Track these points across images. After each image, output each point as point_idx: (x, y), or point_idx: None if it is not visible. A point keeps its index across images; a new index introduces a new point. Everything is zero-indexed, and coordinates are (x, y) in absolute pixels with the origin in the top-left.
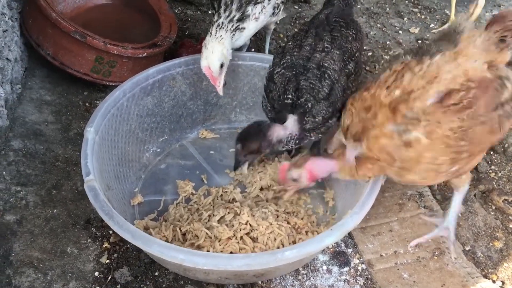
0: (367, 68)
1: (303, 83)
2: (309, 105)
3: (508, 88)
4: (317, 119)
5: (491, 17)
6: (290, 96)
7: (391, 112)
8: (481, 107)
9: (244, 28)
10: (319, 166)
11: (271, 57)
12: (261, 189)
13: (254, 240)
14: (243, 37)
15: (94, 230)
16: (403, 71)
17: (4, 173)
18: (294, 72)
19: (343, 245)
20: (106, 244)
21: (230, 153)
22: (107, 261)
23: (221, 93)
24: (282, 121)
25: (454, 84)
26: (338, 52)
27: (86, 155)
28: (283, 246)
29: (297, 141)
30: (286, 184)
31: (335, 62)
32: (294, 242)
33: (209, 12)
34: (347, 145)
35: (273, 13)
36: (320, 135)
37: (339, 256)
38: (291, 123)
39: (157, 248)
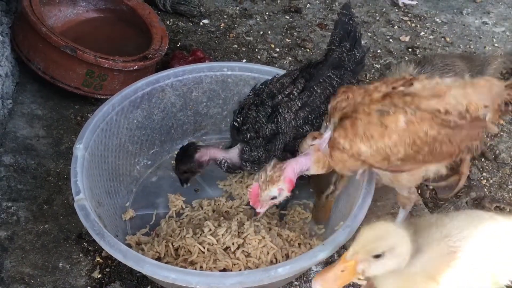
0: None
1: (251, 112)
2: (248, 136)
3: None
4: (253, 154)
5: None
6: (238, 120)
7: (381, 97)
8: (458, 136)
9: None
10: (295, 169)
11: (260, 67)
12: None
13: (247, 254)
14: None
15: (86, 244)
16: (412, 81)
17: None
18: (254, 101)
19: (335, 254)
20: (98, 259)
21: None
22: (99, 275)
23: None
24: (235, 143)
25: (453, 109)
26: (299, 104)
27: (76, 173)
28: (276, 260)
29: (230, 167)
30: (262, 205)
31: (290, 113)
32: (287, 255)
33: None
34: (327, 127)
35: None
36: (256, 170)
37: None
38: (235, 150)
39: (149, 268)
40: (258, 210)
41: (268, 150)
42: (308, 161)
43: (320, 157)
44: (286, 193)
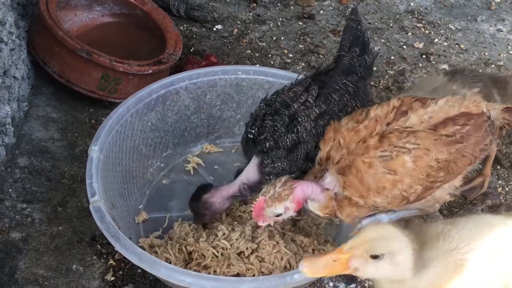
0: (371, 82)
1: (268, 122)
2: (267, 145)
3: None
4: (275, 165)
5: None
6: (253, 131)
7: (378, 141)
8: (470, 145)
9: None
10: (306, 192)
11: (275, 71)
12: None
13: (260, 259)
14: None
15: (99, 247)
16: (402, 108)
17: (10, 190)
18: (268, 112)
19: None
20: (111, 261)
21: (235, 168)
22: (112, 278)
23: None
24: (248, 158)
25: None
26: (317, 112)
27: (91, 174)
28: (290, 265)
29: (251, 188)
30: (265, 220)
31: (310, 121)
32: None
33: None
34: (325, 176)
35: None
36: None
37: None
38: (250, 167)
39: (164, 271)
40: (260, 223)
41: (290, 161)
42: (319, 193)
43: (330, 205)
44: (291, 213)
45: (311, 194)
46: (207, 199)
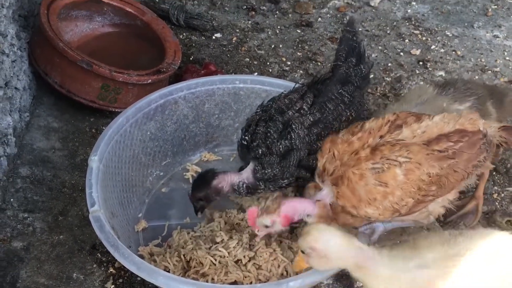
0: (369, 90)
1: (260, 128)
2: (260, 151)
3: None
4: (266, 171)
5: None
6: (246, 138)
7: (370, 153)
8: (463, 161)
9: None
10: (295, 209)
11: (272, 80)
12: None
13: (258, 267)
14: None
15: (99, 255)
16: (397, 122)
17: (12, 200)
18: (262, 117)
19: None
20: (111, 270)
21: None
22: (112, 286)
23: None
24: (246, 163)
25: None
26: (311, 119)
27: (91, 184)
28: (287, 273)
29: (248, 190)
30: (257, 229)
31: (303, 128)
32: None
33: None
34: (323, 188)
35: None
36: (271, 189)
37: (342, 279)
38: (247, 170)
39: (163, 280)
40: (256, 232)
41: (282, 167)
42: (312, 208)
43: (324, 214)
44: (279, 226)
45: (303, 211)
46: (218, 184)
